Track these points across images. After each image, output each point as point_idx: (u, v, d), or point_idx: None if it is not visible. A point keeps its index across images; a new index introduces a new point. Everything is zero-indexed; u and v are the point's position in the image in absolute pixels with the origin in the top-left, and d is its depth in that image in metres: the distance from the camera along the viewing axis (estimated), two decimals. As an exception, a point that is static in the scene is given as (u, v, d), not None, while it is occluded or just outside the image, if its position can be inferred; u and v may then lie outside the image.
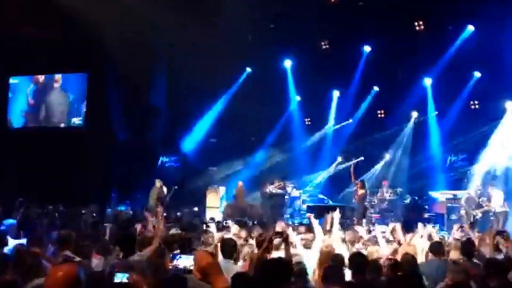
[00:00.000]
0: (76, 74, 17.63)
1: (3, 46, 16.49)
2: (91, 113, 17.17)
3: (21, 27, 16.43)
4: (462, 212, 12.19)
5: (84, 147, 16.86)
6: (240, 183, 14.81)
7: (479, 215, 11.83)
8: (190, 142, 16.59)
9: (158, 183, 14.18)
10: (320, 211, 13.81)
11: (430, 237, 7.56)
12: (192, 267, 4.44)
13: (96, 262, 6.04)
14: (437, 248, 6.30)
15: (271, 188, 14.33)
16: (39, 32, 16.38)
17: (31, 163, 16.89)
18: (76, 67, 17.45)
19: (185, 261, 5.53)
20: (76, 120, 17.37)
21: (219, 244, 6.30)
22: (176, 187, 15.03)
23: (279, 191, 14.36)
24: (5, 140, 17.56)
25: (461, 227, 9.19)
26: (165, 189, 14.03)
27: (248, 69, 16.25)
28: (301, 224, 10.68)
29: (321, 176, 15.24)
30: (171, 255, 5.80)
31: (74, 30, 15.86)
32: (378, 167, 15.08)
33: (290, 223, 12.21)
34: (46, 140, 17.16)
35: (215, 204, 14.97)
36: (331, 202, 14.44)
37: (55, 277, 3.29)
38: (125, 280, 4.19)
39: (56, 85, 17.82)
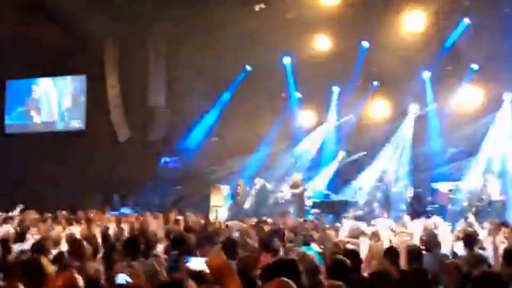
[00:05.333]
0: (74, 76, 18.13)
1: (2, 48, 16.98)
2: (90, 115, 17.67)
3: (17, 29, 16.91)
4: (465, 204, 12.86)
5: (84, 150, 17.42)
6: (240, 181, 15.39)
7: (479, 205, 12.51)
8: (192, 142, 17.15)
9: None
10: (325, 207, 14.59)
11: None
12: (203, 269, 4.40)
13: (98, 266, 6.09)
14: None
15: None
16: (36, 34, 16.86)
17: (29, 167, 17.40)
18: (74, 69, 17.96)
19: (197, 263, 5.41)
20: (76, 123, 17.86)
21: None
22: (179, 187, 15.68)
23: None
24: (2, 144, 18.02)
25: (466, 218, 9.92)
26: None
27: (248, 67, 16.80)
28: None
29: (326, 172, 15.83)
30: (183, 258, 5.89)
31: (72, 32, 16.38)
32: (380, 161, 15.76)
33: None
34: (45, 144, 17.67)
35: (220, 203, 15.59)
36: (335, 197, 15.06)
37: (56, 285, 3.56)
38: (126, 280, 4.36)
39: (54, 88, 18.30)
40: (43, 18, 16.54)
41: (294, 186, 14.76)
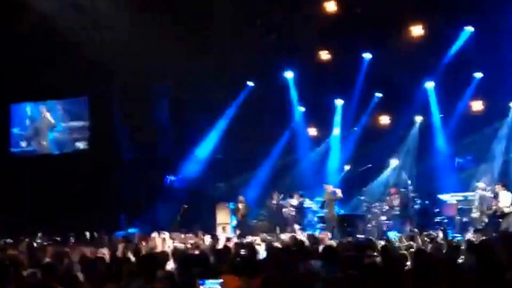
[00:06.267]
0: (77, 99, 18.32)
1: (5, 71, 17.21)
2: (95, 136, 17.82)
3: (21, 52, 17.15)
4: (475, 215, 12.76)
5: (90, 171, 17.52)
6: (241, 197, 15.42)
7: (488, 215, 12.43)
8: (197, 160, 17.22)
9: None
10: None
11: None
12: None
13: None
14: None
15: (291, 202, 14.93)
16: (41, 57, 17.09)
17: (34, 190, 17.54)
18: (77, 91, 18.14)
19: (212, 286, 5.51)
20: (81, 145, 18.01)
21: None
22: (186, 206, 15.72)
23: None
24: (7, 168, 18.17)
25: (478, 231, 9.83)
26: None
27: (250, 83, 16.91)
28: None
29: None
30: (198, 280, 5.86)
31: (76, 54, 16.58)
32: (387, 173, 15.73)
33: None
34: (50, 167, 17.81)
35: (226, 220, 15.61)
36: (342, 211, 15.01)
37: None
38: None
39: (58, 110, 18.47)
40: (47, 39, 16.71)
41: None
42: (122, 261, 7.87)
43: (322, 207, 14.61)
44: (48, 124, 18.51)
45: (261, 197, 16.21)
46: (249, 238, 11.42)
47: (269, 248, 9.13)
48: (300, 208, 15.22)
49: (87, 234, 13.52)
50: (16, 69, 17.48)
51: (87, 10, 16.09)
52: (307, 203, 15.43)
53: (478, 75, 14.93)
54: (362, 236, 12.44)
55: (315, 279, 5.50)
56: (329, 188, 14.51)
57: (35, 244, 11.42)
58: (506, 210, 12.26)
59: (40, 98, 18.64)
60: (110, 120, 17.79)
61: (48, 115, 18.50)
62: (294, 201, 15.27)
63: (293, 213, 15.09)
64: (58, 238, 13.32)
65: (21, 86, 17.86)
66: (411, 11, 14.99)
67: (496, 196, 12.69)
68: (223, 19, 16.16)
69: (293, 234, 12.11)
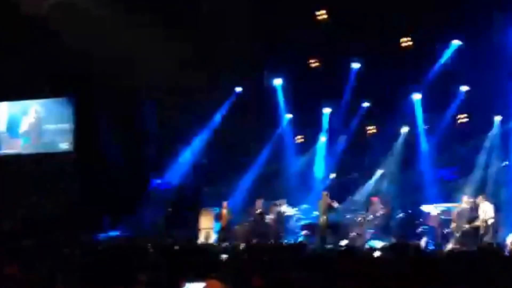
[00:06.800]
0: (61, 98, 18.19)
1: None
2: (79, 137, 17.71)
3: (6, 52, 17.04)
4: (453, 225, 12.93)
5: (73, 172, 17.41)
6: (225, 203, 15.40)
7: (467, 228, 12.57)
8: (182, 164, 17.21)
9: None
10: (315, 229, 14.61)
11: None
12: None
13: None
14: None
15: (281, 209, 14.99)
16: (24, 56, 16.99)
17: (16, 191, 17.35)
18: (61, 91, 18.04)
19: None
20: (64, 145, 17.88)
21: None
22: (170, 209, 15.70)
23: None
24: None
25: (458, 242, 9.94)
26: None
27: (238, 89, 16.97)
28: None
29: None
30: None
31: (60, 54, 16.51)
32: (371, 182, 15.86)
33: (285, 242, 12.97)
34: (32, 167, 17.65)
35: (209, 225, 15.59)
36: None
37: None
38: None
39: (41, 110, 18.32)
40: (32, 40, 16.62)
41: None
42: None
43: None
44: (37, 123, 18.39)
45: (246, 204, 16.22)
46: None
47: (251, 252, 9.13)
48: (284, 216, 15.26)
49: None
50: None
51: (76, 12, 16.04)
52: (292, 210, 15.48)
53: (464, 88, 15.13)
54: (345, 244, 12.54)
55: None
56: (326, 196, 14.56)
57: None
58: (490, 222, 12.40)
59: (21, 97, 18.48)
60: (94, 121, 17.70)
61: (35, 114, 18.36)
62: (279, 209, 15.31)
63: (277, 221, 15.09)
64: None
65: (4, 85, 17.72)
66: (400, 23, 15.19)
67: (476, 208, 12.83)
68: (211, 23, 16.23)
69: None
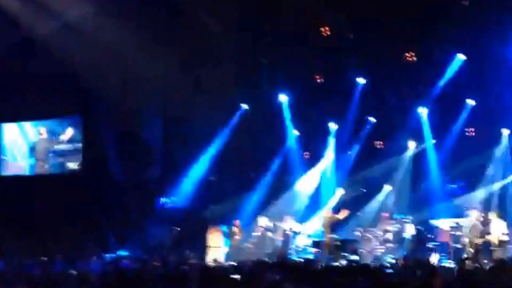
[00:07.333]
0: (68, 118, 18.31)
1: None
2: (86, 157, 17.77)
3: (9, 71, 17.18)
4: (465, 240, 12.81)
5: (80, 191, 17.44)
6: (237, 222, 15.33)
7: (480, 243, 12.46)
8: (189, 182, 17.20)
9: None
10: (322, 247, 14.48)
11: None
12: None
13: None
14: None
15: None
16: (29, 76, 17.13)
17: (24, 211, 17.38)
18: (68, 111, 18.16)
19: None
20: (72, 165, 17.93)
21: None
22: (178, 228, 15.67)
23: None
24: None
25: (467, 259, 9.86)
26: None
27: (244, 106, 17.02)
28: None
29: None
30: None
31: (65, 75, 16.65)
32: (380, 198, 15.80)
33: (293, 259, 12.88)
34: (41, 187, 17.70)
35: (218, 243, 15.51)
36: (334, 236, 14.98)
37: None
38: None
39: (48, 131, 18.41)
40: (36, 60, 16.76)
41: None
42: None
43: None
44: (45, 145, 18.46)
45: (253, 221, 16.17)
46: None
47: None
48: (290, 233, 15.17)
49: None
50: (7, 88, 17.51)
51: (78, 31, 16.19)
52: (300, 227, 15.40)
53: (471, 102, 15.15)
54: (355, 260, 12.44)
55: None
56: (328, 213, 14.48)
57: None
58: (502, 238, 12.28)
59: (31, 118, 18.59)
60: (101, 141, 17.77)
61: (45, 135, 18.46)
62: (285, 225, 15.24)
63: (283, 238, 15.00)
64: (45, 259, 13.33)
65: (12, 106, 17.85)
66: (404, 37, 15.28)
67: (488, 224, 12.75)
68: (217, 40, 16.36)
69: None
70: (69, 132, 18.13)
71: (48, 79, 16.97)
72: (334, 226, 14.24)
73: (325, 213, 14.35)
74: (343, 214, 14.11)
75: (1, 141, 18.91)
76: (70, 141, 18.14)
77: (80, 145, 17.93)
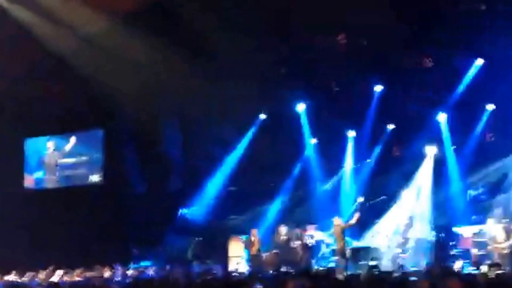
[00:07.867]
0: (90, 131, 18.64)
1: (21, 107, 17.60)
2: (108, 169, 18.06)
3: (32, 87, 17.57)
4: (489, 247, 12.74)
5: (102, 204, 17.71)
6: (254, 230, 15.40)
7: (504, 249, 12.39)
8: (209, 192, 17.37)
9: None
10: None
11: None
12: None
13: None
14: None
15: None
16: (51, 91, 17.50)
17: (47, 224, 17.68)
18: (90, 124, 18.49)
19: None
20: (94, 178, 18.24)
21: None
22: (200, 238, 15.83)
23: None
24: (21, 202, 18.38)
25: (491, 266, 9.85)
26: None
27: (263, 116, 17.16)
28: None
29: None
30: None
31: (86, 88, 16.98)
32: (399, 205, 15.77)
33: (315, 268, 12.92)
34: (64, 200, 18.02)
35: (239, 253, 15.63)
36: (353, 243, 15.01)
37: None
38: None
39: (72, 144, 18.76)
40: (56, 74, 17.11)
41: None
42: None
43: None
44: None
45: (274, 230, 16.25)
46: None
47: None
48: (311, 241, 15.18)
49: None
50: (30, 103, 17.90)
51: (101, 45, 16.51)
52: (321, 235, 15.44)
53: (490, 107, 15.08)
54: (376, 269, 12.43)
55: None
56: (337, 220, 14.50)
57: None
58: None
59: (53, 132, 18.95)
60: (122, 153, 18.05)
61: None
62: (306, 234, 15.28)
63: (304, 247, 15.05)
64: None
65: (36, 120, 18.23)
66: (421, 43, 15.30)
67: (510, 230, 12.66)
68: (234, 51, 16.51)
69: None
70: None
71: (70, 94, 17.33)
72: (349, 232, 14.20)
73: (335, 221, 14.38)
74: (355, 218, 14.13)
75: (24, 155, 19.28)
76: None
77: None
